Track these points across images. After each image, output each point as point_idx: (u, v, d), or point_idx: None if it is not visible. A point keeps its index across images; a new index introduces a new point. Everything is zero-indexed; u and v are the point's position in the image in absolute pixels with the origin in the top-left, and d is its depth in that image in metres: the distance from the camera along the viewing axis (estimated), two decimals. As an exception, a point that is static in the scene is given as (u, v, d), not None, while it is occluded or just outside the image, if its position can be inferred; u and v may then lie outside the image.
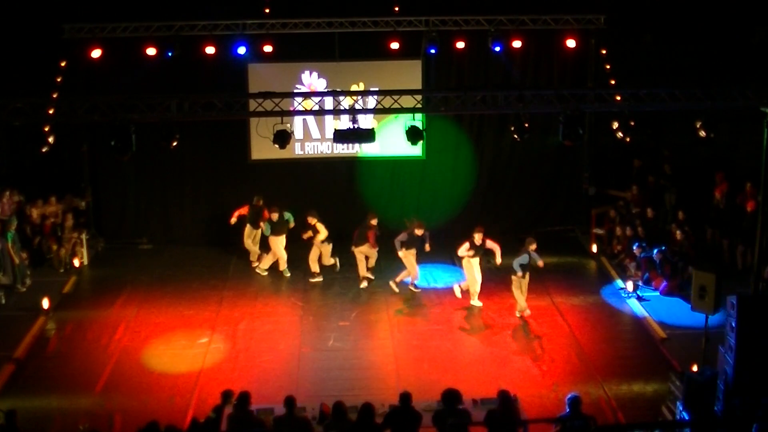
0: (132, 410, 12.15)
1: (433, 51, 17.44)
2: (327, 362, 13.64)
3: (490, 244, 15.36)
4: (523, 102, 12.87)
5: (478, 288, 15.54)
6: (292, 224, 16.89)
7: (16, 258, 16.02)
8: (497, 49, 17.44)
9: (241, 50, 17.13)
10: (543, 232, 18.85)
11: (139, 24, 17.17)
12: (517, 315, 15.06)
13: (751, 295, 12.46)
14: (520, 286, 14.98)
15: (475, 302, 15.55)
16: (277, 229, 16.80)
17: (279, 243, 16.89)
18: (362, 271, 16.55)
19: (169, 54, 17.07)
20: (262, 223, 17.01)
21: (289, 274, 17.08)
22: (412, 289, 16.15)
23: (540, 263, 15.10)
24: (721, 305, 11.78)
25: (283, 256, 17.04)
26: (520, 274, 14.86)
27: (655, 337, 14.32)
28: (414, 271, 16.06)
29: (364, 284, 16.50)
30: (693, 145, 16.18)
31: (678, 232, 16.34)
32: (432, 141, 18.77)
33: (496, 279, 16.28)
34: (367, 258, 16.58)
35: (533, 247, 14.89)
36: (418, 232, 15.80)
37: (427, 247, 16.03)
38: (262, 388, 12.30)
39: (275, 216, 16.71)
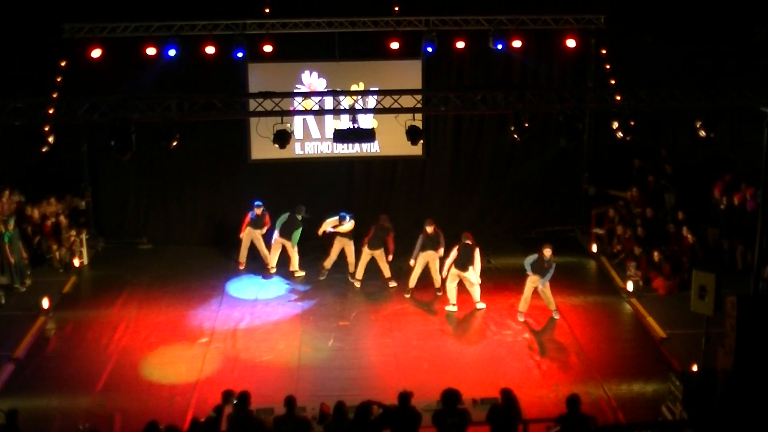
0: (132, 410, 12.16)
1: (430, 49, 17.43)
2: (327, 362, 13.64)
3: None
4: (523, 102, 12.88)
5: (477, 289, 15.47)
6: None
7: (12, 258, 15.99)
8: (499, 47, 17.45)
9: (239, 55, 17.26)
10: (543, 232, 18.86)
11: (139, 24, 17.15)
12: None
13: (751, 295, 12.48)
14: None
15: (479, 305, 15.47)
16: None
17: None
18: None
19: (172, 54, 17.07)
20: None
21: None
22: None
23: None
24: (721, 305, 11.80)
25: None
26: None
27: (655, 337, 14.33)
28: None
29: (393, 284, 16.37)
30: (693, 145, 16.19)
31: (689, 236, 16.29)
32: (432, 141, 18.79)
33: (495, 279, 16.27)
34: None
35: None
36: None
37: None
38: (262, 388, 12.30)
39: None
